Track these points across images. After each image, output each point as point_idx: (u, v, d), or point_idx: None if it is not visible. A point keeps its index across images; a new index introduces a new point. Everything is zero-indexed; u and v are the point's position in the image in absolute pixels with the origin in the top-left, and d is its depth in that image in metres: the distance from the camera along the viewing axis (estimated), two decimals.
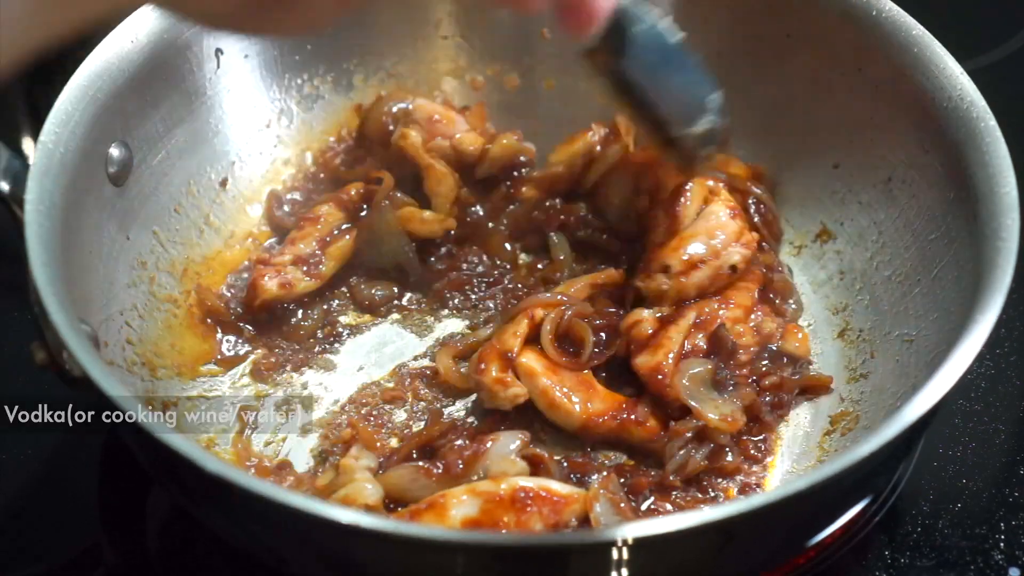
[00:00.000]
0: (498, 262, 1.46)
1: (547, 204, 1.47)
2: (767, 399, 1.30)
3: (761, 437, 1.29)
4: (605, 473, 1.23)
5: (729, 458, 1.26)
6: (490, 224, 1.46)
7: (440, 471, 1.20)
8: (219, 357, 1.36)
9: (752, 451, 1.28)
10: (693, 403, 1.26)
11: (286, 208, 1.48)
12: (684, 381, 1.27)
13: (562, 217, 1.46)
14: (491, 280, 1.45)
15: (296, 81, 1.51)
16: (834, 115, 1.43)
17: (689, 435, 1.25)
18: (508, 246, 1.47)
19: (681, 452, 1.24)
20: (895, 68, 1.35)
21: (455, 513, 1.14)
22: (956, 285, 1.23)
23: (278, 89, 1.51)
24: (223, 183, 1.46)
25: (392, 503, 1.20)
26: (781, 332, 1.35)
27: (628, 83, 1.26)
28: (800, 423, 1.32)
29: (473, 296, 1.44)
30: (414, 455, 1.24)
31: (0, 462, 1.33)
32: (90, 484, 1.32)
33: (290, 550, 1.10)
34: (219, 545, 1.19)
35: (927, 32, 1.34)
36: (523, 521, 1.14)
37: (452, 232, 1.45)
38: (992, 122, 1.25)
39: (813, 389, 1.34)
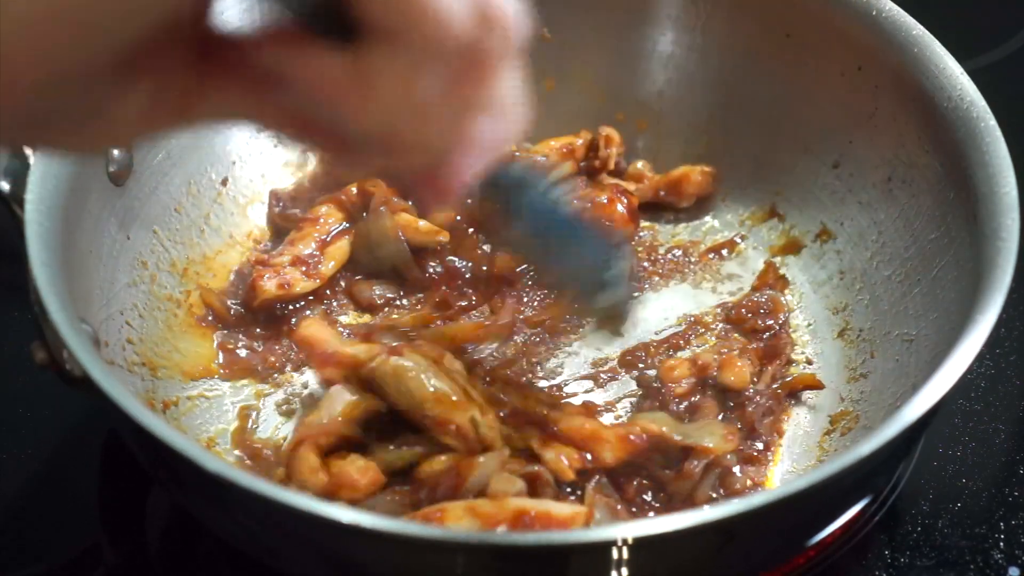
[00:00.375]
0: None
1: None
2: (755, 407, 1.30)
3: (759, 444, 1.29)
4: (596, 479, 1.22)
5: (737, 472, 1.25)
6: (470, 229, 1.46)
7: (424, 497, 1.19)
8: (220, 358, 1.36)
9: (751, 452, 1.27)
10: (690, 441, 1.23)
11: (286, 208, 1.48)
12: (663, 428, 1.23)
13: None
14: (474, 280, 1.44)
15: None
16: (834, 115, 1.43)
17: (699, 471, 1.23)
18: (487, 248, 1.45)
19: (699, 489, 1.23)
20: (895, 68, 1.35)
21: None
22: (956, 285, 1.23)
23: None
24: (224, 183, 1.46)
25: None
26: (717, 364, 1.33)
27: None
28: (800, 423, 1.32)
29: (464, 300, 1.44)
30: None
31: (0, 462, 1.33)
32: (90, 484, 1.32)
33: (290, 550, 1.10)
34: (220, 545, 1.19)
35: (927, 32, 1.34)
36: None
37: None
38: (992, 122, 1.25)
39: (800, 389, 1.34)
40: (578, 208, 1.21)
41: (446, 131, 0.85)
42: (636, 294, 1.39)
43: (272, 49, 0.80)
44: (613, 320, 1.33)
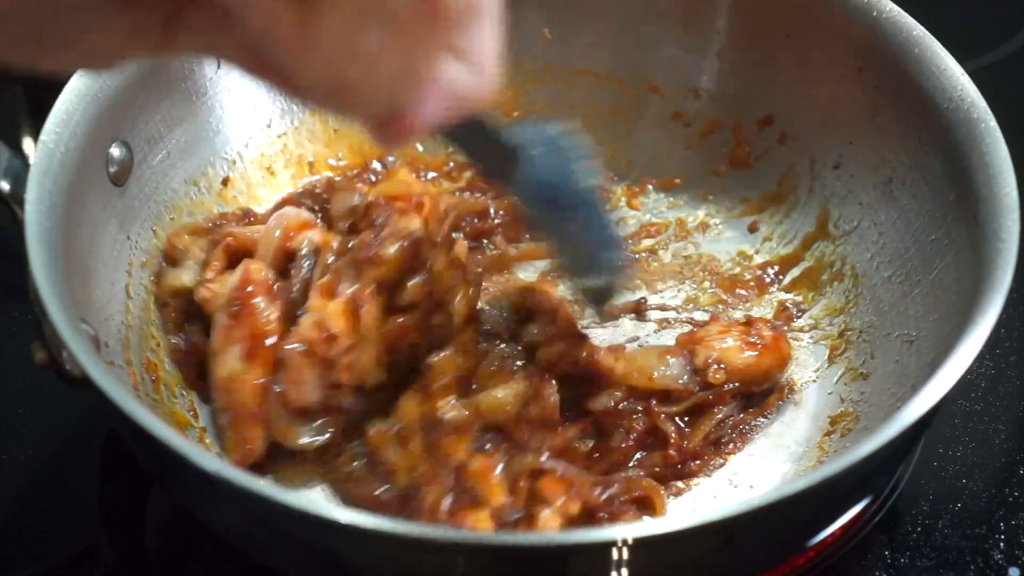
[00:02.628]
0: None
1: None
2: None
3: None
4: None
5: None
6: None
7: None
8: None
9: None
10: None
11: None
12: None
13: None
14: None
15: None
16: (834, 116, 1.43)
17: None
18: None
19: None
20: (896, 69, 1.35)
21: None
22: (956, 286, 1.23)
23: None
24: (225, 183, 1.46)
25: None
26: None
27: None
28: (800, 424, 1.32)
29: None
30: None
31: (0, 462, 1.33)
32: (90, 484, 1.32)
33: (288, 550, 1.10)
34: (219, 545, 1.19)
35: (928, 33, 1.34)
36: None
37: None
38: (993, 123, 1.25)
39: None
40: (590, 178, 1.14)
41: (396, 84, 0.84)
42: (626, 284, 1.37)
43: None
44: (596, 301, 1.30)
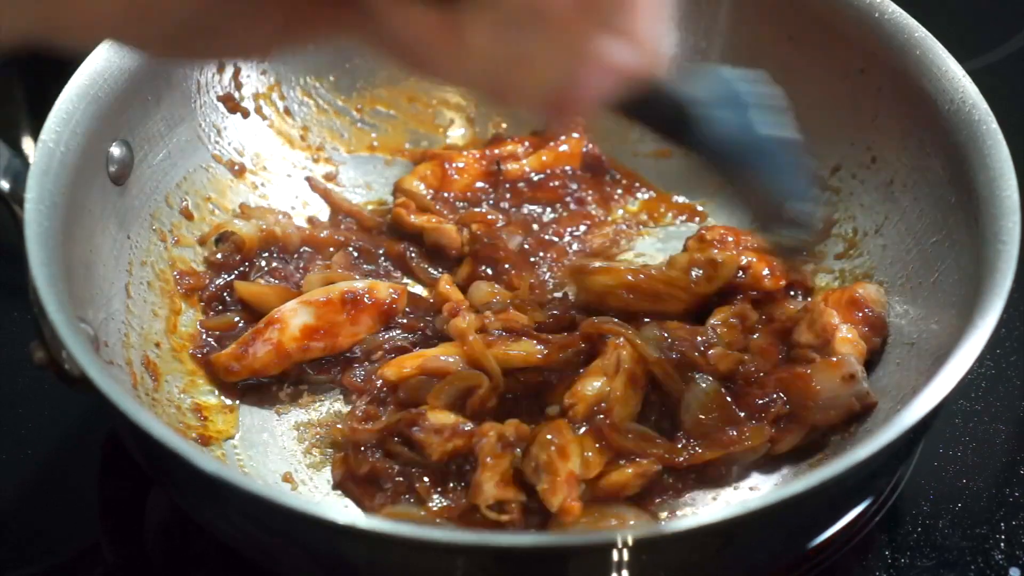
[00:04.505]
0: None
1: None
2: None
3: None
4: None
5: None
6: None
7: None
8: None
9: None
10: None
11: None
12: None
13: None
14: None
15: (300, 80, 1.51)
16: (835, 117, 1.42)
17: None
18: None
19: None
20: (897, 70, 1.35)
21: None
22: (957, 288, 1.23)
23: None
24: (239, 173, 1.46)
25: None
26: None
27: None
28: None
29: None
30: None
31: (0, 462, 1.33)
32: (90, 484, 1.32)
33: (287, 551, 1.10)
34: (219, 546, 1.19)
35: (929, 34, 1.34)
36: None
37: None
38: (994, 125, 1.25)
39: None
40: (773, 129, 1.04)
41: (554, 75, 0.84)
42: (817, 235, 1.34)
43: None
44: (788, 254, 1.24)
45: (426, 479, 1.21)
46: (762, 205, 1.09)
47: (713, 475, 1.24)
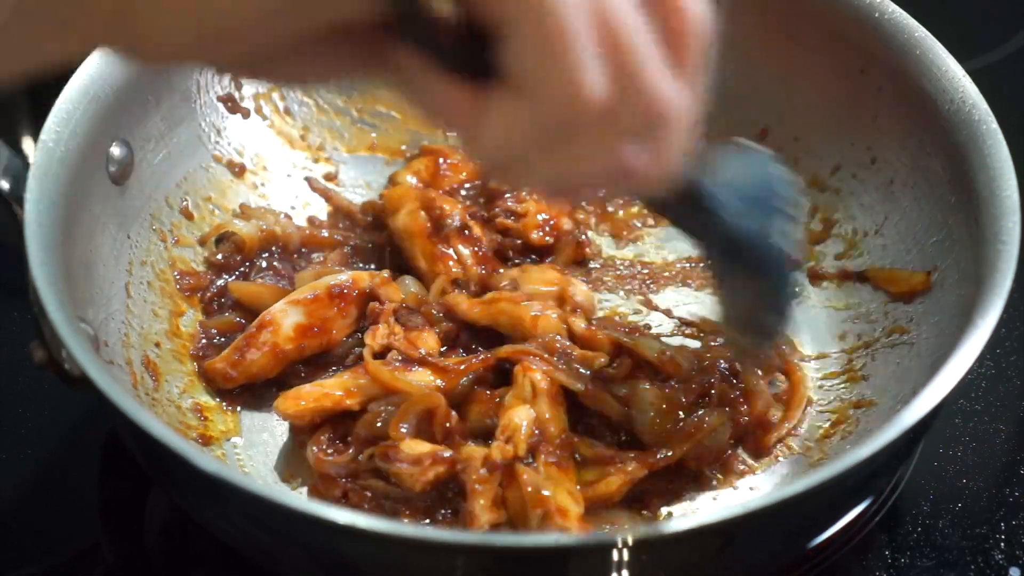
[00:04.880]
0: None
1: None
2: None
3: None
4: None
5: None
6: None
7: None
8: None
9: None
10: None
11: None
12: None
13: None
14: None
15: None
16: (835, 117, 1.43)
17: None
18: None
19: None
20: (897, 70, 1.34)
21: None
22: (957, 288, 1.23)
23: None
24: (239, 173, 1.46)
25: None
26: None
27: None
28: (800, 425, 1.31)
29: None
30: None
31: (0, 462, 1.33)
32: (90, 484, 1.32)
33: (287, 552, 1.10)
34: (219, 546, 1.19)
35: (929, 34, 1.34)
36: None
37: None
38: (994, 125, 1.25)
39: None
40: (784, 237, 1.04)
41: (564, 174, 0.85)
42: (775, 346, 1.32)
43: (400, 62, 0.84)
44: (742, 356, 1.27)
45: (407, 511, 1.19)
46: (737, 309, 1.13)
47: (698, 472, 1.24)
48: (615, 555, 1.00)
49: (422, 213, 1.38)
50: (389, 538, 0.99)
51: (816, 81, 1.43)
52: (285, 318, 1.30)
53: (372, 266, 1.42)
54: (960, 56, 1.32)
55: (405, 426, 1.20)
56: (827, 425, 1.30)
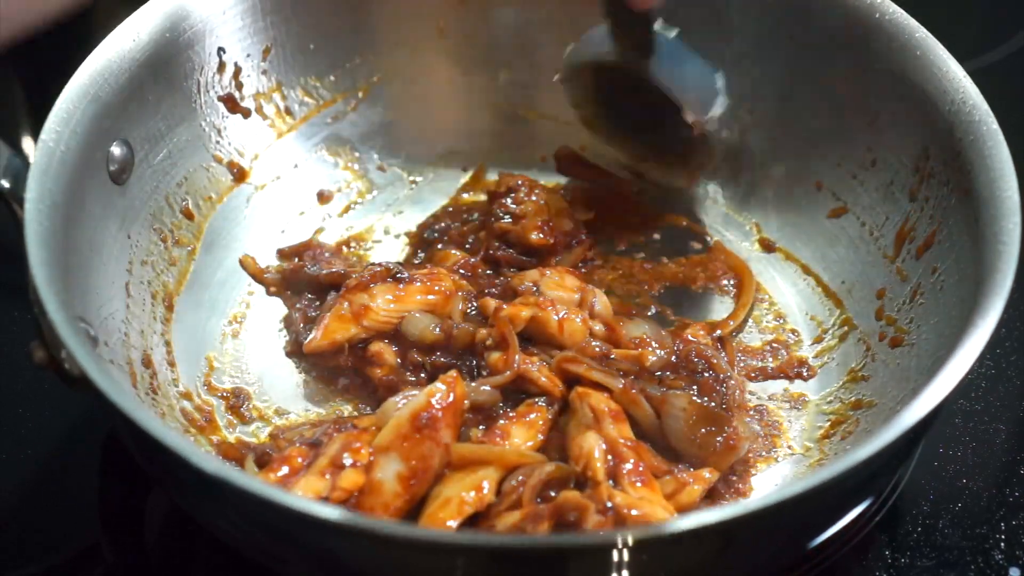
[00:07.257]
0: None
1: None
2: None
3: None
4: None
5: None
6: None
7: None
8: None
9: None
10: None
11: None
12: None
13: None
14: None
15: (300, 80, 1.51)
16: (836, 118, 1.43)
17: None
18: None
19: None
20: (898, 71, 1.35)
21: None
22: (957, 289, 1.23)
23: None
24: (240, 177, 1.47)
25: None
26: None
27: (641, 85, 1.32)
28: (800, 426, 1.32)
29: None
30: None
31: (0, 462, 1.33)
32: (90, 484, 1.32)
33: (286, 551, 1.10)
34: (218, 546, 1.19)
35: (930, 35, 1.34)
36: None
37: None
38: (994, 125, 1.25)
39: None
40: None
41: None
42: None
43: None
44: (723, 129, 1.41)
45: None
46: (691, 96, 1.37)
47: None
48: (615, 555, 1.00)
49: None
50: (389, 538, 0.99)
51: (816, 81, 1.43)
52: (380, 472, 1.16)
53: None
54: (960, 56, 1.32)
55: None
56: (827, 425, 1.31)
